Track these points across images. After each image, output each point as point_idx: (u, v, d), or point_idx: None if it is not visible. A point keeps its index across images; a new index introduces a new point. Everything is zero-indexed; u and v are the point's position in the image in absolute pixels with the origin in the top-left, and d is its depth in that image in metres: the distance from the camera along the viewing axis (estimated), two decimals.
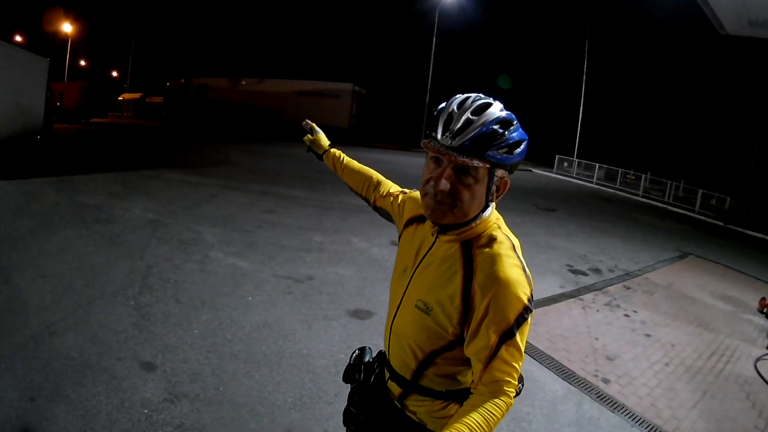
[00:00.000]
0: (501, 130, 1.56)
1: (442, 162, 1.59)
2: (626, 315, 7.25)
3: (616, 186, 30.02)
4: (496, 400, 1.52)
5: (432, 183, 1.60)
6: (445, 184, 1.55)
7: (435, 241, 1.77)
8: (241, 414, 3.81)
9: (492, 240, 1.66)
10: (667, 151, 42.64)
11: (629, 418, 4.46)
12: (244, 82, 43.54)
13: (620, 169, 30.97)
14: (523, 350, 1.58)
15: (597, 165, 32.22)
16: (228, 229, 9.02)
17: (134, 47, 65.66)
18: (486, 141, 1.53)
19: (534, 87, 53.83)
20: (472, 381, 1.64)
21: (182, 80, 46.56)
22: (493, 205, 1.72)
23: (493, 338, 1.53)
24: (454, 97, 1.65)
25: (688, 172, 30.95)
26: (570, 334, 6.22)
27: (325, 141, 2.73)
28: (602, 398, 4.75)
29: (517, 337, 1.54)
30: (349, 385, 2.11)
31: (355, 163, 2.55)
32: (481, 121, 1.54)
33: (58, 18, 56.34)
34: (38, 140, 18.59)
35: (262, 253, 7.92)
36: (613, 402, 4.69)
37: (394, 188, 2.28)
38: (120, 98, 64.01)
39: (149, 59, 71.13)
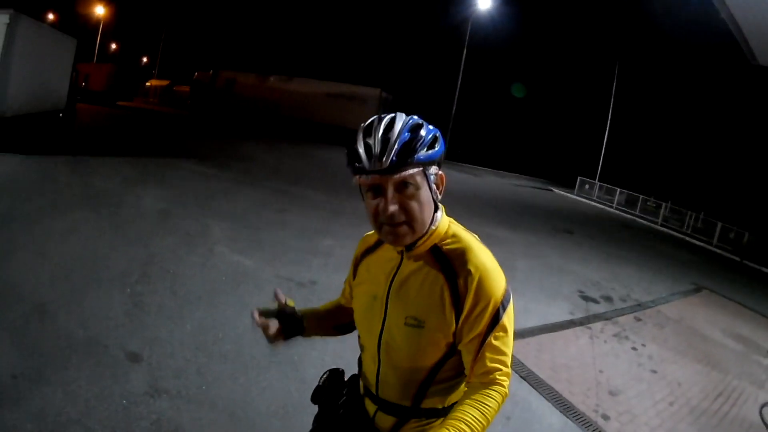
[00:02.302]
0: (415, 134, 1.58)
1: (379, 189, 1.59)
2: (634, 348, 7.03)
3: (636, 212, 29.67)
4: (491, 392, 1.55)
5: (381, 210, 1.59)
6: (393, 207, 1.57)
7: (402, 260, 1.76)
8: (220, 417, 3.70)
9: (457, 236, 1.72)
10: (690, 180, 42.27)
11: None
12: (272, 79, 43.56)
13: (641, 196, 30.65)
14: (511, 336, 1.63)
15: (618, 190, 31.95)
16: (237, 225, 8.94)
17: (165, 35, 66.39)
18: (408, 148, 1.55)
19: (561, 107, 53.76)
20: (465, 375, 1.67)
21: (210, 72, 46.75)
22: (441, 207, 1.75)
23: (482, 324, 1.57)
24: (360, 128, 1.65)
25: (708, 203, 30.56)
26: (574, 365, 6.03)
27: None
28: None
29: (504, 320, 1.60)
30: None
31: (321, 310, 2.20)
32: (396, 133, 1.56)
33: (92, 0, 56.98)
34: (60, 119, 18.67)
35: (268, 252, 7.81)
36: None
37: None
38: (147, 84, 64.55)
39: (179, 48, 71.94)
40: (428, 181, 1.62)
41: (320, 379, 2.06)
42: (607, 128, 38.42)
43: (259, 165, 17.83)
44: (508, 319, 1.61)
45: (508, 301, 1.62)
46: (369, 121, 1.65)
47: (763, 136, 39.47)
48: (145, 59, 78.79)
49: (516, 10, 47.65)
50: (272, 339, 1.83)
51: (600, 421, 4.80)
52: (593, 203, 32.38)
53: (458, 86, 41.74)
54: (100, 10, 57.11)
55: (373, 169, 1.54)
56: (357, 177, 1.61)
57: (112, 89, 37.97)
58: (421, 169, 1.58)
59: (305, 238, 9.06)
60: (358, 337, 1.94)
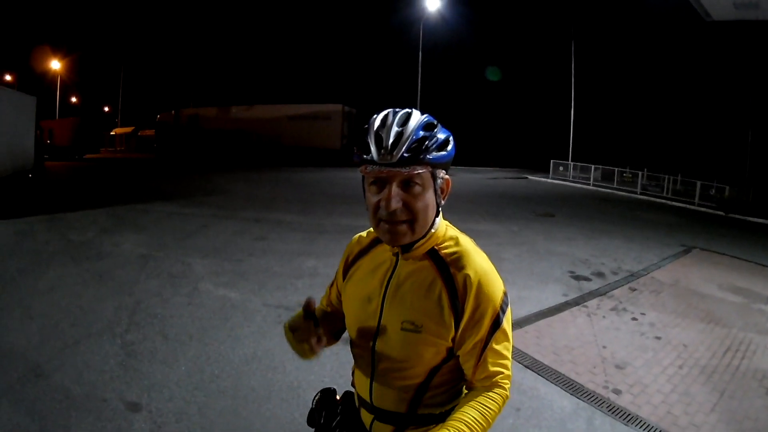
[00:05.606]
0: (429, 133, 1.57)
1: (384, 182, 1.56)
2: (634, 318, 7.01)
3: (614, 186, 29.90)
4: (492, 394, 1.58)
5: (383, 205, 1.55)
6: (396, 202, 1.53)
7: (397, 262, 1.72)
8: None
9: (455, 240, 1.71)
10: (662, 146, 42.60)
11: (644, 429, 4.22)
12: (234, 110, 43.72)
13: (616, 169, 30.80)
14: (511, 339, 1.65)
15: (593, 166, 32.08)
16: (218, 260, 8.84)
17: (124, 81, 66.23)
18: (420, 146, 1.53)
19: (523, 94, 54.04)
20: (466, 379, 1.68)
21: (172, 112, 46.79)
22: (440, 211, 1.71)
23: (483, 329, 1.57)
24: (373, 119, 1.63)
25: (684, 164, 30.76)
26: (576, 345, 5.98)
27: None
28: (614, 411, 4.49)
29: (504, 324, 1.61)
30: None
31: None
32: (410, 129, 1.54)
33: (47, 56, 56.80)
34: (30, 178, 18.51)
35: (253, 282, 7.72)
36: (626, 414, 4.44)
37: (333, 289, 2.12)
38: (112, 133, 64.30)
39: (139, 93, 71.86)
40: (434, 182, 1.60)
41: (313, 400, 1.99)
42: (572, 107, 38.61)
43: (231, 196, 17.73)
44: (507, 322, 1.62)
45: (507, 305, 1.63)
46: (383, 113, 1.62)
47: (726, 89, 39.83)
48: (107, 108, 78.64)
49: (465, 8, 48.07)
50: (318, 348, 1.72)
51: (612, 397, 4.75)
52: (570, 184, 32.57)
53: (419, 88, 41.97)
54: (56, 65, 56.91)
55: (381, 161, 1.51)
56: (363, 168, 1.58)
57: (77, 143, 37.73)
58: (429, 169, 1.56)
59: (287, 262, 8.97)
60: (351, 344, 1.87)
